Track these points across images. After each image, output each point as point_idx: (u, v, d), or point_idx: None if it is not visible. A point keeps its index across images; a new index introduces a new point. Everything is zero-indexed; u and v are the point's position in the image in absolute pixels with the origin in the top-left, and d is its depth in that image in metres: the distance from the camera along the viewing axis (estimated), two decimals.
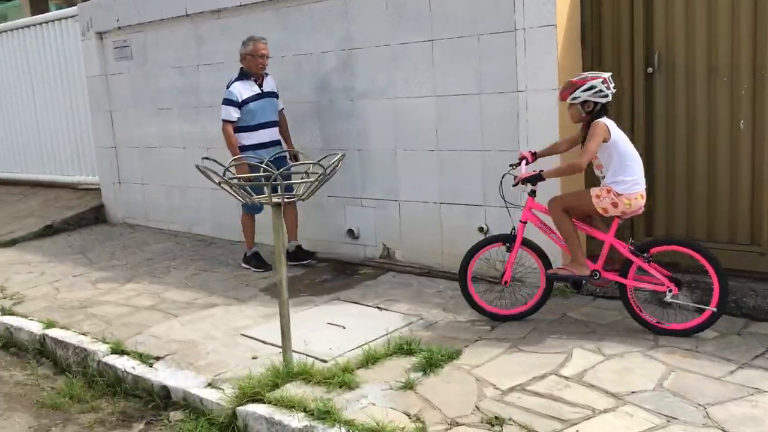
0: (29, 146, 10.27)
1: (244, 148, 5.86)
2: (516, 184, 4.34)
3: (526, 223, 4.40)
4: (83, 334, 4.79)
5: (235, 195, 3.92)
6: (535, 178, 4.23)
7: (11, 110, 10.48)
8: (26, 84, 10.10)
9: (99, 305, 5.44)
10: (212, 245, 7.19)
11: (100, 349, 4.50)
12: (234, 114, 5.82)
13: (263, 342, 4.39)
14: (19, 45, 10.04)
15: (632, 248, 4.15)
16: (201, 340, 4.53)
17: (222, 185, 3.87)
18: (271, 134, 6.00)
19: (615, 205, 4.07)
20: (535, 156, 4.49)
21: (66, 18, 9.21)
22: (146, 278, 6.15)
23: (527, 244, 4.45)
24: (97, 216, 8.64)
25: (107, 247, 7.46)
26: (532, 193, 4.36)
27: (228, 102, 5.83)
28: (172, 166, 7.72)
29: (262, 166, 4.07)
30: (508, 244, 4.45)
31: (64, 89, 9.46)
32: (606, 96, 4.05)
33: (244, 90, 5.86)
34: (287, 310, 3.87)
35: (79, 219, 8.48)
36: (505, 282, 4.48)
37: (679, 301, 4.13)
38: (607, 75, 4.07)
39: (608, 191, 4.06)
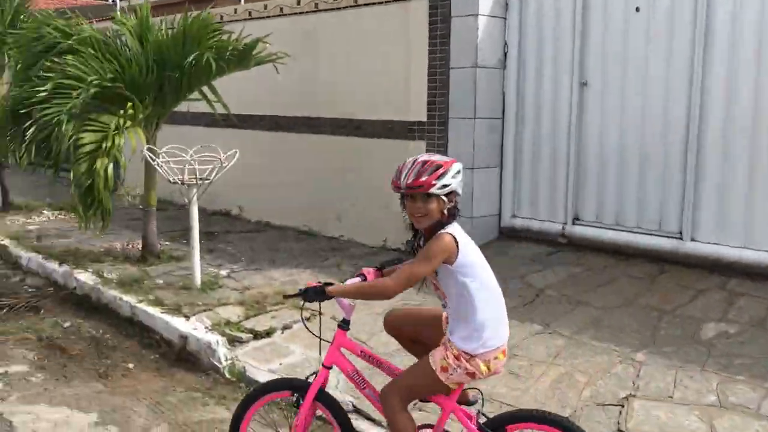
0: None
1: None
2: (287, 297, 2.92)
3: (330, 368, 2.89)
4: None
5: None
6: (314, 294, 2.71)
7: None
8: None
9: None
10: None
11: None
12: None
13: None
14: None
15: (481, 423, 2.76)
16: None
17: None
18: None
19: (472, 375, 2.67)
20: (380, 270, 2.93)
21: None
22: None
23: (325, 400, 2.91)
24: None
25: None
26: (344, 325, 2.89)
27: None
28: None
29: None
30: (297, 395, 2.91)
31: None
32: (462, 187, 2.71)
33: None
34: None
35: None
36: None
37: None
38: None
39: (456, 357, 2.64)
